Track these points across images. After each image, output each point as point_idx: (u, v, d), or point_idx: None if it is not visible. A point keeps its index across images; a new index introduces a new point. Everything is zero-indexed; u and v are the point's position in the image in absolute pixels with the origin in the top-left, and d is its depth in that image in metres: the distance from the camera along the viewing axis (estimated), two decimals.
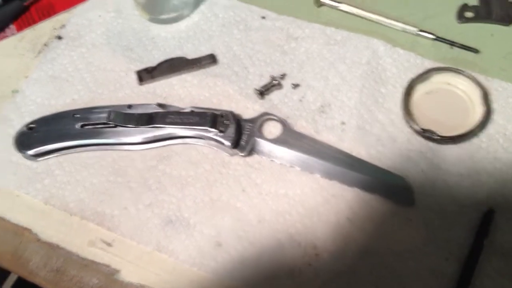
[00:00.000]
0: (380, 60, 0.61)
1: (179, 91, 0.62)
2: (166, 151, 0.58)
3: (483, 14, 0.63)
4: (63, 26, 0.68)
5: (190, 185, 0.56)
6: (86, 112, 0.59)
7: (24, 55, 0.67)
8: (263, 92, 0.60)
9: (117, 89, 0.63)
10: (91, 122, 0.58)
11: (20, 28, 0.69)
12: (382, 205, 0.53)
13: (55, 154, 0.59)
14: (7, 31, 0.69)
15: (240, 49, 0.64)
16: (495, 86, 0.58)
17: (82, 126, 0.58)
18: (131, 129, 0.58)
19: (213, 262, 0.52)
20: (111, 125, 0.58)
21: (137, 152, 0.58)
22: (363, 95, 0.59)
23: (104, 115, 0.58)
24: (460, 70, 0.58)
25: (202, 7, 0.68)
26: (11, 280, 0.88)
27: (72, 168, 0.58)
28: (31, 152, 0.58)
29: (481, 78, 0.58)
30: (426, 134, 0.55)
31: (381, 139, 0.57)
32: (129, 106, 0.59)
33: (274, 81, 0.61)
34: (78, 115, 0.59)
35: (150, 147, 0.58)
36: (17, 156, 0.59)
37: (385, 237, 0.52)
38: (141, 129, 0.57)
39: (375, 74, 0.60)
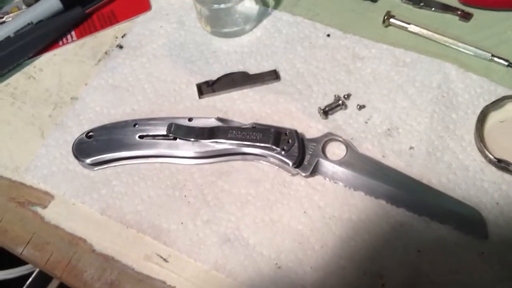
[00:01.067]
0: (451, 85, 0.59)
1: (240, 106, 0.61)
2: (226, 166, 0.57)
3: None
4: (124, 35, 0.68)
5: (250, 203, 0.54)
6: (146, 123, 0.58)
7: (84, 62, 0.66)
8: (327, 112, 0.59)
9: (177, 101, 0.62)
10: (150, 134, 0.57)
11: (80, 35, 0.69)
12: (453, 236, 0.51)
13: (113, 164, 0.58)
14: (68, 37, 0.69)
15: (304, 67, 0.62)
16: None
17: (141, 137, 0.57)
18: (191, 142, 0.56)
19: (272, 285, 0.50)
20: (170, 138, 0.57)
21: (196, 166, 0.57)
22: (434, 120, 0.57)
23: (164, 127, 0.57)
24: None
25: (265, 22, 0.67)
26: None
27: (129, 179, 0.57)
28: (89, 160, 0.57)
29: None
30: (501, 164, 0.53)
31: (452, 167, 0.54)
32: (190, 119, 0.58)
33: (338, 101, 0.59)
34: (138, 126, 0.58)
35: (210, 161, 0.57)
36: (74, 164, 0.58)
37: (455, 270, 0.49)
38: (201, 143, 0.56)
39: (446, 99, 0.58)
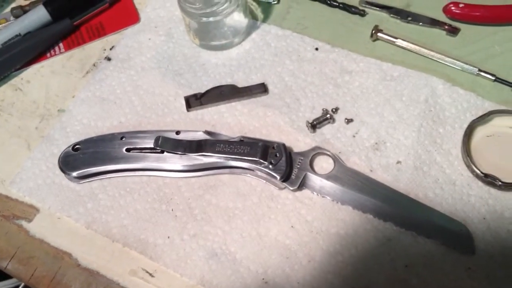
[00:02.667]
0: (438, 99, 0.59)
1: (228, 119, 0.61)
2: (213, 180, 0.56)
3: None
4: (112, 48, 0.67)
5: (237, 217, 0.54)
6: (133, 136, 0.58)
7: (72, 74, 0.66)
8: (315, 125, 0.59)
9: (165, 114, 0.61)
10: (137, 147, 0.57)
11: (68, 47, 0.69)
12: (440, 251, 0.51)
13: (99, 177, 0.57)
14: (56, 49, 0.68)
15: (292, 80, 0.62)
16: None
17: (128, 150, 0.57)
18: (178, 156, 0.56)
19: None
20: (158, 151, 0.56)
21: (183, 179, 0.57)
22: (421, 134, 0.57)
23: (152, 140, 0.57)
24: None
25: (254, 35, 0.67)
26: None
27: (116, 193, 0.56)
28: (75, 173, 0.56)
29: None
30: (488, 179, 0.53)
31: (439, 182, 0.54)
32: (178, 132, 0.57)
33: (326, 115, 0.59)
34: (125, 138, 0.57)
35: (197, 175, 0.57)
36: (60, 177, 0.58)
37: (443, 286, 0.49)
38: (188, 157, 0.56)
39: (433, 113, 0.58)
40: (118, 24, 0.70)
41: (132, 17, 0.70)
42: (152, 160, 0.56)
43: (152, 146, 0.56)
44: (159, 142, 0.56)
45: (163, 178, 0.57)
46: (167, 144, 0.56)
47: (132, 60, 0.66)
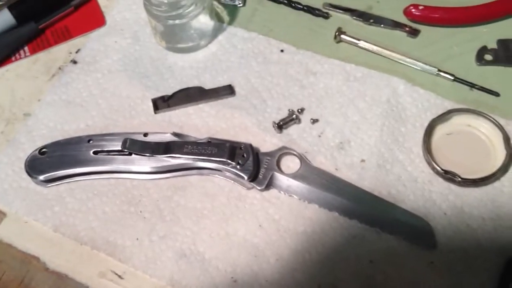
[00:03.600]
0: (400, 99, 0.61)
1: (196, 121, 0.61)
2: (182, 181, 0.57)
3: (502, 58, 0.63)
4: (78, 51, 0.67)
5: (206, 218, 0.55)
6: (100, 139, 0.58)
7: (38, 78, 0.66)
8: (281, 126, 0.60)
9: (132, 117, 0.62)
10: (105, 149, 0.57)
11: (33, 51, 0.68)
12: (404, 247, 0.52)
13: (67, 181, 0.57)
14: (21, 53, 0.68)
15: (259, 82, 0.63)
16: None
17: (96, 152, 0.57)
18: (146, 157, 0.56)
19: None
20: (125, 153, 0.56)
21: (152, 181, 0.57)
22: (384, 133, 0.58)
23: (119, 142, 0.57)
24: (481, 112, 0.58)
25: (220, 38, 0.67)
26: None
27: (83, 196, 0.56)
28: (42, 177, 0.56)
29: (501, 121, 0.57)
30: (448, 175, 0.55)
31: (402, 179, 0.56)
32: (145, 134, 0.58)
33: (292, 115, 0.60)
34: (92, 141, 0.57)
35: (165, 176, 0.57)
36: (27, 181, 0.57)
37: (407, 280, 0.51)
38: (157, 158, 0.56)
39: (395, 113, 0.60)
40: (84, 27, 0.69)
41: (98, 20, 0.70)
42: (120, 163, 0.57)
43: (119, 148, 0.56)
44: (127, 144, 0.56)
45: (131, 180, 0.57)
46: (135, 146, 0.56)
47: (98, 63, 0.66)
